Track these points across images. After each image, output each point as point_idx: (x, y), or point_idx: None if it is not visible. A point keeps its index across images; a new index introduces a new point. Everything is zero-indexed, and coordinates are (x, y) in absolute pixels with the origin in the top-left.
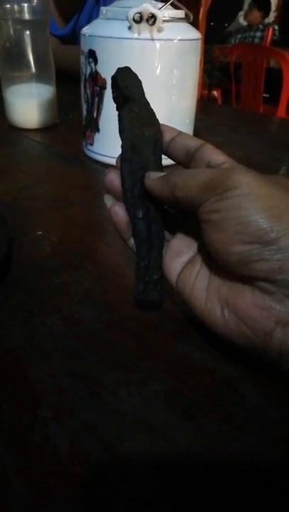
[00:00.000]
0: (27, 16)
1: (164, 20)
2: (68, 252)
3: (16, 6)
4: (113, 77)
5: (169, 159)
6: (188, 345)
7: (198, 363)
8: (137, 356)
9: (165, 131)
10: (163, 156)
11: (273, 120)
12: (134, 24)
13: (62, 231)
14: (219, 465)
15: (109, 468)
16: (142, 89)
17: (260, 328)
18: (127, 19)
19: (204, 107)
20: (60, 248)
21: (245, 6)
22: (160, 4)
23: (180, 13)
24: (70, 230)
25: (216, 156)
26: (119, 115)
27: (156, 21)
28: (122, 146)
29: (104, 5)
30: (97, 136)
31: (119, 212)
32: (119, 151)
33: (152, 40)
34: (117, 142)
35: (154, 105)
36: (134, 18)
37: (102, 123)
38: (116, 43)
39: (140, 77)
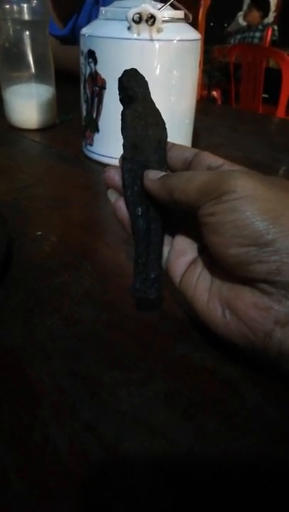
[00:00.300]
0: (26, 17)
1: (164, 21)
2: (68, 252)
3: (15, 7)
4: (119, 79)
5: None
6: (188, 346)
7: (198, 363)
8: (136, 356)
9: None
10: None
11: (272, 120)
12: (133, 24)
13: (62, 231)
14: (219, 465)
15: (109, 468)
16: (148, 90)
17: (260, 329)
18: (127, 19)
19: (204, 107)
20: (60, 248)
21: (245, 7)
22: (159, 5)
23: (179, 14)
24: (70, 230)
25: (214, 159)
26: (122, 114)
27: (156, 22)
28: (123, 145)
29: (104, 5)
30: (96, 136)
31: (122, 207)
32: (119, 152)
33: (152, 40)
34: (117, 142)
35: None
36: (133, 18)
37: (102, 123)
38: (115, 44)
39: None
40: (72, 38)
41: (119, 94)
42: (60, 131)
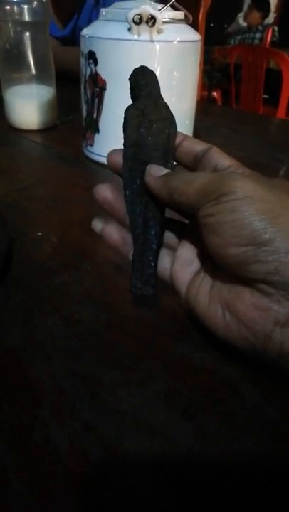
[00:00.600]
0: (27, 18)
1: (164, 22)
2: (68, 253)
3: (16, 8)
4: (129, 79)
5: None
6: (188, 346)
7: (198, 363)
8: (136, 356)
9: None
10: None
11: (273, 121)
12: (133, 25)
13: (62, 232)
14: (219, 465)
15: (109, 468)
16: (155, 85)
17: (260, 330)
18: (127, 20)
19: (204, 108)
20: (60, 248)
21: (245, 7)
22: (160, 6)
23: (180, 15)
24: (70, 231)
25: (222, 160)
26: (124, 113)
27: (156, 23)
28: (124, 144)
29: (104, 6)
30: (97, 137)
31: (111, 233)
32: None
33: (152, 41)
34: (117, 143)
35: None
36: (133, 19)
37: (102, 124)
38: (116, 45)
39: (153, 70)
40: (72, 39)
41: (130, 94)
42: (61, 132)
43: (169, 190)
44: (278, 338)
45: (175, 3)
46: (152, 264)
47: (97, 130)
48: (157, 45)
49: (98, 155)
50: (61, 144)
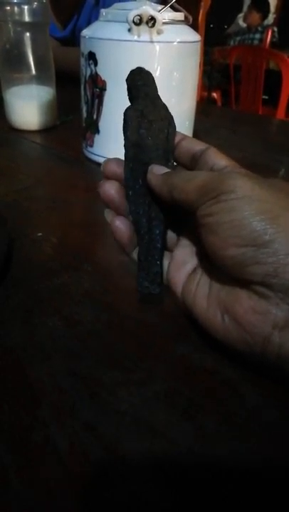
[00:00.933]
0: (27, 18)
1: (164, 23)
2: (68, 253)
3: (16, 8)
4: (126, 80)
5: None
6: (188, 346)
7: (197, 363)
8: (136, 356)
9: None
10: None
11: (272, 122)
12: (133, 26)
13: (62, 232)
14: (219, 465)
15: (109, 468)
16: (152, 86)
17: (258, 333)
18: (127, 21)
19: (204, 108)
20: (60, 249)
21: (245, 8)
22: (160, 7)
23: (179, 16)
24: (70, 231)
25: (219, 160)
26: (123, 114)
27: (156, 24)
28: (124, 145)
29: (104, 7)
30: (97, 137)
31: (120, 227)
32: (119, 153)
33: (152, 42)
34: (118, 144)
35: None
36: (133, 20)
37: (102, 125)
38: (116, 45)
39: (150, 71)
40: (72, 40)
41: (128, 95)
42: (61, 133)
43: (169, 187)
44: (277, 341)
45: (175, 4)
46: (158, 262)
47: (97, 131)
48: (157, 46)
49: (98, 155)
50: (61, 144)
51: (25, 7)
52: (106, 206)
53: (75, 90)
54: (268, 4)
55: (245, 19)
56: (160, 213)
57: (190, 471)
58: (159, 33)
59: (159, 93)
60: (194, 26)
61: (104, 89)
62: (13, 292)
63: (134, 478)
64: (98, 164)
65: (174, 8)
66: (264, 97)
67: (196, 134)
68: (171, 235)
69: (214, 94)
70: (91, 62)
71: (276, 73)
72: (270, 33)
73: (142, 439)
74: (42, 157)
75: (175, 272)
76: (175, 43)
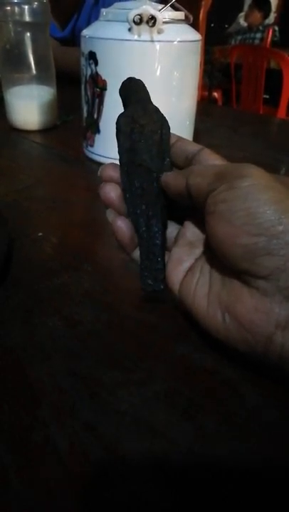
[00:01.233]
0: (27, 18)
1: (164, 22)
2: (68, 253)
3: (16, 8)
4: (118, 91)
5: None
6: (188, 346)
7: (197, 363)
8: (136, 356)
9: None
10: None
11: (273, 121)
12: (134, 26)
13: (63, 232)
14: (219, 465)
15: (109, 468)
16: (141, 93)
17: (260, 333)
18: (127, 21)
19: (204, 108)
20: (60, 249)
21: (246, 7)
22: (160, 6)
23: (180, 15)
24: (71, 231)
25: (214, 161)
26: (116, 122)
27: (157, 23)
28: (118, 151)
29: (104, 6)
30: (97, 137)
31: (121, 226)
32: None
33: (152, 41)
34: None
35: None
36: (134, 19)
37: (103, 124)
38: (116, 45)
39: (140, 79)
40: (72, 40)
41: (122, 105)
42: (61, 133)
43: (186, 174)
44: (279, 340)
45: (175, 3)
46: (159, 259)
47: (97, 130)
48: (158, 45)
49: (99, 155)
50: (61, 144)
51: (26, 7)
52: (107, 207)
53: (76, 90)
54: (269, 3)
55: (246, 18)
56: (158, 211)
57: (190, 471)
58: (159, 32)
59: (158, 94)
60: (195, 25)
61: (105, 89)
62: (13, 292)
63: (134, 478)
64: (99, 164)
65: (174, 8)
66: (265, 96)
67: (197, 133)
68: (169, 235)
69: (215, 94)
70: (91, 61)
71: (277, 72)
72: (271, 32)
73: (142, 439)
74: (42, 157)
75: (172, 270)
76: (175, 43)
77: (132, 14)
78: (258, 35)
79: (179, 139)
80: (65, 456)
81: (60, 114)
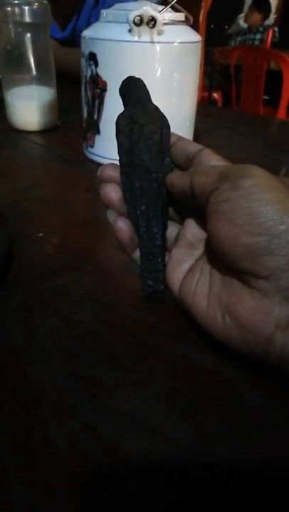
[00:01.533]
0: (28, 19)
1: (164, 23)
2: (69, 254)
3: (16, 9)
4: (118, 91)
5: None
6: (188, 346)
7: (198, 363)
8: (136, 357)
9: None
10: None
11: (273, 122)
12: (134, 27)
13: (63, 232)
14: (219, 465)
15: (109, 468)
16: (140, 91)
17: (261, 333)
18: (128, 22)
19: (204, 109)
20: (60, 249)
21: (245, 9)
22: (160, 7)
23: (180, 16)
24: (71, 232)
25: (214, 161)
26: (115, 122)
27: (157, 24)
28: (118, 152)
29: (104, 7)
30: (97, 138)
31: (122, 227)
32: None
33: (152, 42)
34: None
35: None
36: (134, 20)
37: (103, 125)
38: (116, 46)
39: (140, 78)
40: (72, 41)
41: (123, 105)
42: (61, 133)
43: (190, 174)
44: (279, 341)
45: (175, 4)
46: (159, 260)
47: (97, 131)
48: (158, 47)
49: (99, 156)
50: (62, 144)
51: (26, 8)
52: (107, 208)
53: (76, 91)
54: (268, 4)
55: (246, 19)
56: (158, 212)
57: (190, 471)
58: (159, 33)
59: (158, 95)
60: (195, 27)
61: (105, 90)
62: (13, 292)
63: (134, 478)
64: (99, 164)
65: (174, 9)
66: (265, 97)
67: (197, 134)
68: (169, 235)
69: (215, 95)
70: (92, 62)
71: (277, 73)
72: (270, 33)
73: (142, 439)
74: (43, 157)
75: (173, 271)
76: (176, 44)
77: (133, 15)
78: (258, 36)
79: (179, 138)
80: (65, 456)
81: (61, 115)
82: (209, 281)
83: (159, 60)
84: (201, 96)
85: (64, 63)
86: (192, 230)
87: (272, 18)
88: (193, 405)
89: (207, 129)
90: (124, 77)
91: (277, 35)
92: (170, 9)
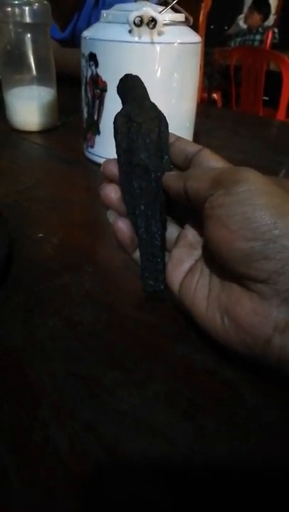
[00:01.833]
0: (28, 19)
1: (165, 24)
2: (69, 254)
3: (17, 9)
4: (116, 89)
5: None
6: (188, 347)
7: (198, 364)
8: (137, 357)
9: None
10: None
11: (273, 123)
12: (134, 27)
13: (63, 233)
14: (219, 465)
15: (109, 468)
16: (138, 89)
17: (259, 335)
18: (128, 22)
19: (204, 109)
20: (60, 250)
21: (245, 9)
22: (160, 8)
23: (180, 17)
24: (71, 232)
25: (214, 162)
26: (113, 122)
27: (157, 25)
28: (116, 152)
29: (104, 8)
30: (97, 138)
31: (122, 227)
32: None
33: (153, 43)
34: None
35: None
36: (134, 21)
37: (103, 125)
38: (116, 46)
39: (137, 75)
40: (72, 41)
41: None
42: (61, 134)
43: (184, 177)
44: (277, 343)
45: (176, 5)
46: (159, 260)
47: (97, 131)
48: (158, 47)
49: (99, 156)
50: (62, 145)
51: (26, 8)
52: (107, 208)
53: (76, 91)
54: (268, 5)
55: (245, 20)
56: (157, 212)
57: (190, 471)
58: (159, 34)
59: (158, 96)
60: (195, 27)
61: (105, 90)
62: (13, 293)
63: (134, 478)
64: (99, 165)
65: (174, 10)
66: (264, 98)
67: (197, 135)
68: (170, 236)
69: (215, 96)
70: (92, 63)
71: (277, 74)
72: (270, 34)
73: (142, 439)
74: (43, 158)
75: (173, 271)
76: (176, 44)
77: (133, 16)
78: (258, 37)
79: (178, 138)
80: (65, 456)
81: (61, 115)
82: (209, 283)
83: (159, 61)
84: (201, 97)
85: (64, 64)
86: (193, 230)
87: (271, 19)
88: (193, 405)
89: (207, 130)
90: None
91: (276, 36)
92: (170, 10)
